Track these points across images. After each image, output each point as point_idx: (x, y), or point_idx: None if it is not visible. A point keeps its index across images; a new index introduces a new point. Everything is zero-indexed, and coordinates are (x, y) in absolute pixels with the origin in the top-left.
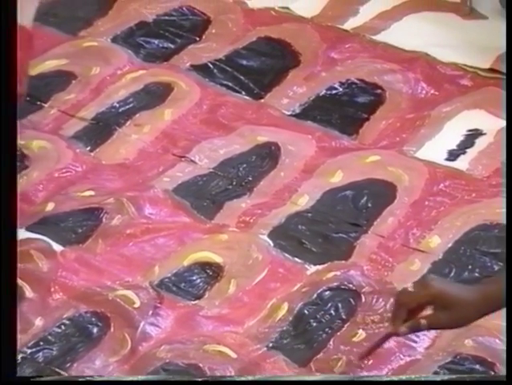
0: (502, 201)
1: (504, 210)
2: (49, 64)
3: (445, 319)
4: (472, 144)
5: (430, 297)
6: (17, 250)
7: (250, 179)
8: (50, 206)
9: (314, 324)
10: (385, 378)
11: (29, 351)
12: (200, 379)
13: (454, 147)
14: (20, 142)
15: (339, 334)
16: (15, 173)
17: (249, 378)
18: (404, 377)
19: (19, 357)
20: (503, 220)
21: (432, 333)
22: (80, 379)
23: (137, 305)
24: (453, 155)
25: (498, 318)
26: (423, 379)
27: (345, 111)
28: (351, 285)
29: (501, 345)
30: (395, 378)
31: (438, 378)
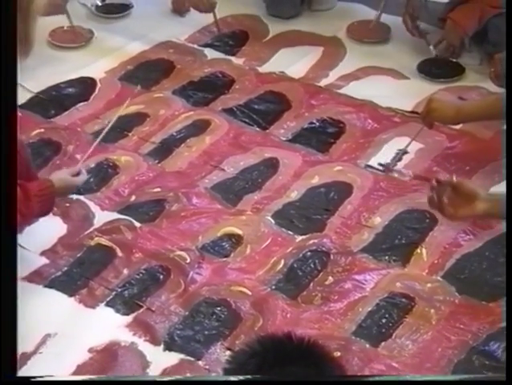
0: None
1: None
2: (132, 108)
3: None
4: (400, 159)
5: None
6: (17, 253)
7: (260, 181)
8: (132, 198)
9: (300, 273)
10: (385, 379)
11: (119, 290)
12: (201, 380)
13: (389, 161)
14: (113, 157)
15: (316, 279)
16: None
17: (251, 377)
18: (404, 377)
19: (113, 294)
20: (421, 207)
21: (375, 278)
22: (81, 379)
23: (188, 261)
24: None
25: (419, 269)
26: (423, 379)
27: (320, 137)
28: (323, 249)
29: (418, 286)
30: (395, 379)
31: (438, 378)
